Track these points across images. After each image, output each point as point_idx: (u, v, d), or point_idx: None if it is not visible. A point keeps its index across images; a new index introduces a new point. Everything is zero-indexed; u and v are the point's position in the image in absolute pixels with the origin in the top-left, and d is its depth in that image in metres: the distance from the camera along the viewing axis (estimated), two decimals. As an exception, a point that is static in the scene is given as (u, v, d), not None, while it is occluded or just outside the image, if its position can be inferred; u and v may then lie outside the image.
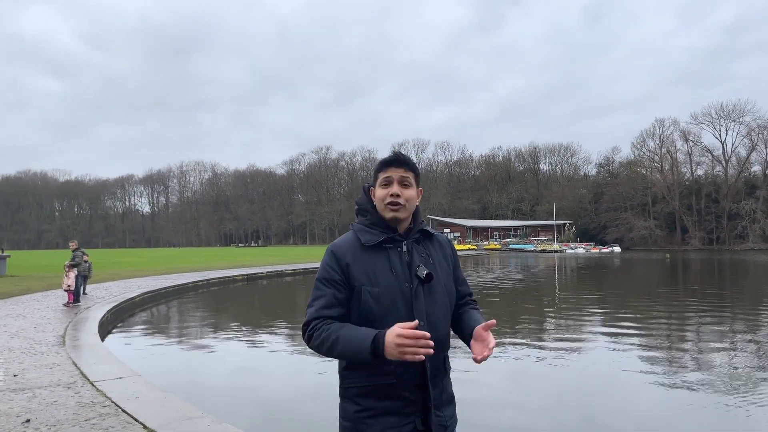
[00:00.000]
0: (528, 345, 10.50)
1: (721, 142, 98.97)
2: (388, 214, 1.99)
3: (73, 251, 15.14)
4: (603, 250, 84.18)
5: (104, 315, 12.61)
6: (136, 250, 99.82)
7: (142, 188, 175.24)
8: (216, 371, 8.88)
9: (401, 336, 1.70)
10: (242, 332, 12.82)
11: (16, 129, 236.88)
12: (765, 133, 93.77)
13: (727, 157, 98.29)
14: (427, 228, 2.10)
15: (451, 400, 2.03)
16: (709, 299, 18.59)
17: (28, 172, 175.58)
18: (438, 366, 1.94)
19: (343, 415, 1.97)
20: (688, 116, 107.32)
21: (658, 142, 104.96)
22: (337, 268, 1.93)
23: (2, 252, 26.26)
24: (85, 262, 17.48)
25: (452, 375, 2.09)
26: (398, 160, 2.02)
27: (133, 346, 11.01)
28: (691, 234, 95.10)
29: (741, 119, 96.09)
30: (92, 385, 5.92)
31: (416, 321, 1.73)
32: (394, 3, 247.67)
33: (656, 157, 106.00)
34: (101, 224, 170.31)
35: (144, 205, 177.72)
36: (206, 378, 8.32)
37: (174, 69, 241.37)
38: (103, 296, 16.75)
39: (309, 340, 1.91)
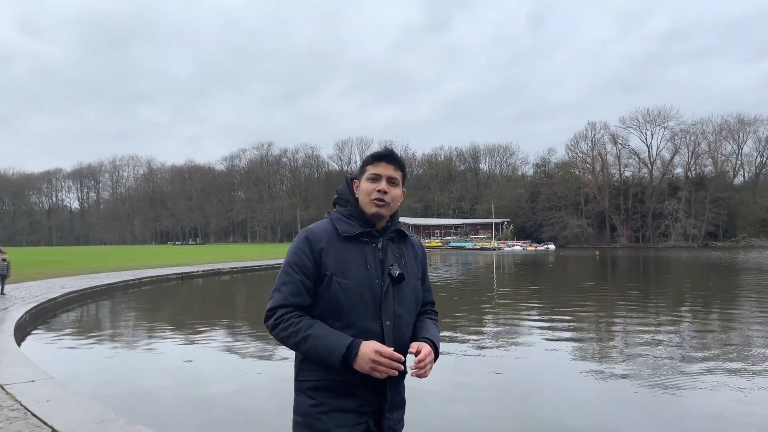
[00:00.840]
0: (466, 340, 10.77)
1: (647, 145, 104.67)
2: (371, 209, 1.94)
3: (-12, 249, 14.26)
4: (539, 248, 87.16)
5: (22, 316, 11.98)
6: (63, 248, 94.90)
7: (71, 183, 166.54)
8: (140, 373, 8.62)
9: (379, 353, 1.73)
10: (171, 333, 12.49)
11: None
12: (687, 138, 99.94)
13: (652, 160, 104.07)
14: (403, 229, 2.08)
15: (402, 404, 2.02)
16: (635, 293, 19.66)
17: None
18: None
19: (296, 409, 1.91)
20: (617, 120, 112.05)
21: (590, 144, 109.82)
22: (309, 253, 1.88)
23: None
24: (3, 260, 16.57)
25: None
26: (390, 157, 1.98)
27: (51, 348, 10.54)
28: (619, 232, 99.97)
29: (665, 124, 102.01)
30: (2, 388, 5.64)
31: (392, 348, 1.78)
32: (345, 1, 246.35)
33: (588, 159, 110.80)
34: (25, 221, 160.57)
35: (72, 201, 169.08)
36: (129, 380, 8.07)
37: (113, 60, 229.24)
38: (22, 296, 15.88)
39: (273, 329, 1.86)
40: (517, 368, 8.54)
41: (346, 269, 1.86)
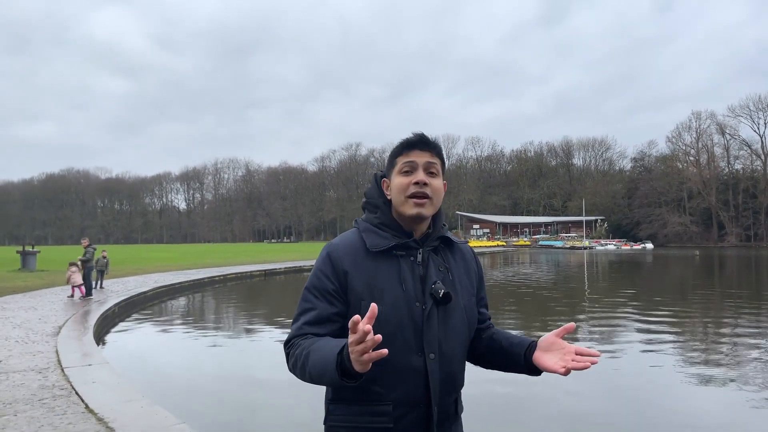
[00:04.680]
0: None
1: (759, 135, 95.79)
2: (411, 210, 1.57)
3: (84, 248, 16.11)
4: (635, 247, 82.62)
5: (110, 308, 13.46)
6: (171, 246, 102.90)
7: (179, 185, 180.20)
8: (193, 362, 9.50)
9: (351, 334, 1.27)
10: (240, 329, 13.47)
11: (80, 128, 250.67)
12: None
13: (766, 151, 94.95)
14: (449, 235, 1.68)
15: None
16: (733, 299, 18.39)
17: (72, 170, 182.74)
18: (448, 409, 1.56)
19: None
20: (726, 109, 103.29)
21: (694, 135, 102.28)
22: (332, 275, 1.54)
23: (32, 248, 27.76)
24: (104, 257, 18.53)
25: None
26: (423, 142, 1.61)
27: (128, 337, 11.80)
28: (727, 230, 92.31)
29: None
30: (62, 370, 6.59)
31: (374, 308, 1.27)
32: None
33: (692, 151, 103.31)
34: (140, 220, 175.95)
35: (180, 202, 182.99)
36: (177, 369, 8.94)
37: (235, 68, 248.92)
38: (117, 290, 17.71)
39: (287, 362, 1.54)
40: (621, 374, 8.24)
41: (378, 292, 1.51)
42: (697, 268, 37.12)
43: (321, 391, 1.60)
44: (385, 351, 1.25)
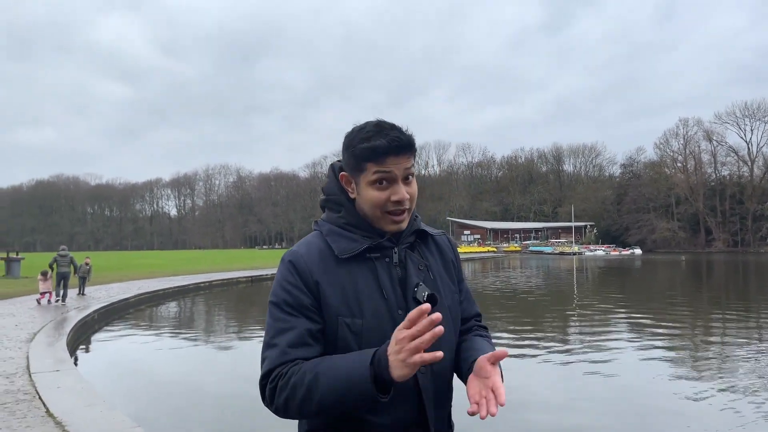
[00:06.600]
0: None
1: (746, 141, 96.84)
2: (389, 227, 1.35)
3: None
4: (623, 253, 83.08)
5: (90, 314, 13.46)
6: (161, 252, 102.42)
7: (170, 191, 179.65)
8: (156, 366, 9.54)
9: (401, 331, 1.11)
10: (219, 337, 13.51)
11: (79, 133, 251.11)
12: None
13: (752, 158, 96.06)
14: (424, 226, 1.47)
15: None
16: (718, 305, 18.60)
17: (61, 176, 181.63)
18: (442, 428, 1.38)
19: None
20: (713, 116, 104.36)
21: (681, 142, 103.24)
22: (304, 287, 1.30)
23: (16, 255, 27.63)
24: (86, 264, 18.52)
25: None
26: (401, 146, 1.30)
27: (107, 344, 11.82)
28: (714, 236, 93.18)
29: (767, 118, 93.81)
30: (29, 376, 6.64)
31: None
32: (464, 3, 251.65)
33: (680, 158, 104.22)
34: (130, 227, 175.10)
35: (171, 208, 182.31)
36: (150, 375, 8.99)
37: (239, 73, 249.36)
38: (99, 296, 17.70)
39: (273, 398, 1.24)
40: (616, 378, 8.26)
41: (354, 304, 1.30)
42: (683, 273, 37.46)
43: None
44: (440, 354, 1.07)
